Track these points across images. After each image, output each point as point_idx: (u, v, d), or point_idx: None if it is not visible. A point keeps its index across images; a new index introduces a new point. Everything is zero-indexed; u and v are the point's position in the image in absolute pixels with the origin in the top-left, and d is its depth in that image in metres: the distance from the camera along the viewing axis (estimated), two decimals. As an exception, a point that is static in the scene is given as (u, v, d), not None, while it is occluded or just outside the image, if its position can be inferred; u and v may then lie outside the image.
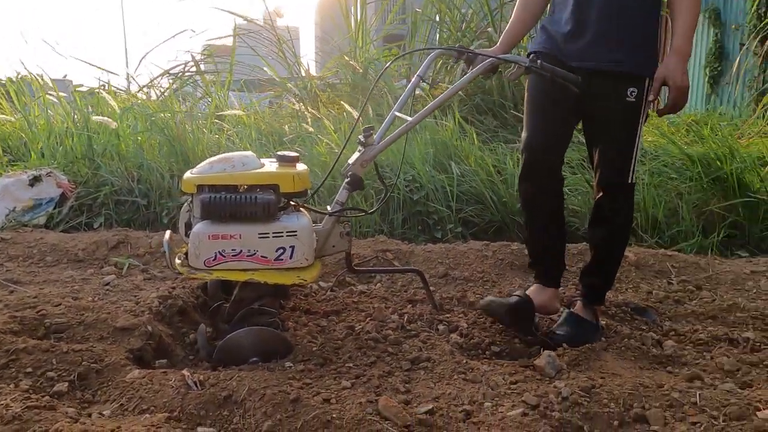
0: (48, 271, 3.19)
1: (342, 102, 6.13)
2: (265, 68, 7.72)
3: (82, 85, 8.17)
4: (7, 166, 5.15)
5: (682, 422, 1.79)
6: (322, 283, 3.11)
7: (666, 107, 2.29)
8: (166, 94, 7.12)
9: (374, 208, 2.77)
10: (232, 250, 2.21)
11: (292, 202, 2.36)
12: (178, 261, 2.31)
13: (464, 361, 2.20)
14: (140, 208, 4.51)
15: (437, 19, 7.93)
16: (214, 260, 2.21)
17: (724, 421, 1.78)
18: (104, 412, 1.80)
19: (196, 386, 1.91)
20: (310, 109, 6.30)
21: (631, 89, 2.35)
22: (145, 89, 7.29)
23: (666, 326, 2.69)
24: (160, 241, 3.55)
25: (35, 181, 4.41)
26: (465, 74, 2.57)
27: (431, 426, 1.77)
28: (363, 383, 2.04)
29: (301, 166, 2.40)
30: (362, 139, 2.46)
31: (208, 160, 2.36)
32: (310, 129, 5.52)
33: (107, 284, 2.95)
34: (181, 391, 1.87)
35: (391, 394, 1.94)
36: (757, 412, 1.80)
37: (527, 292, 2.59)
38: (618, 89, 2.37)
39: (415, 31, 7.93)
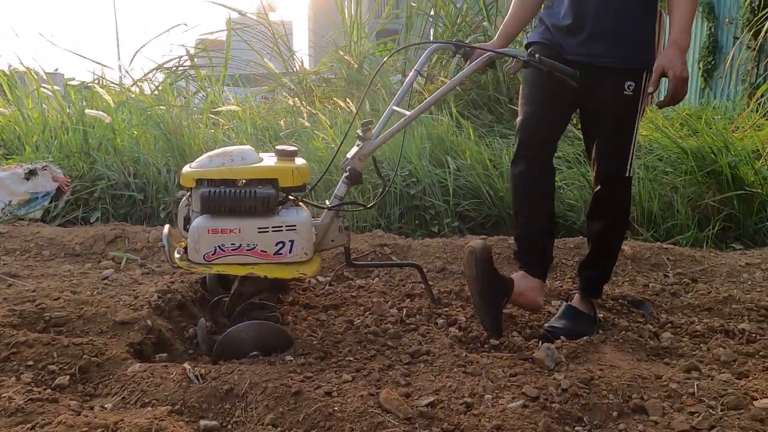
0: (45, 265, 3.19)
1: (336, 98, 6.13)
2: (259, 62, 7.71)
3: (73, 79, 8.13)
4: (1, 159, 5.13)
5: (680, 412, 1.81)
6: (320, 278, 3.12)
7: (666, 99, 2.28)
8: (160, 88, 7.10)
9: (373, 203, 2.77)
10: (232, 244, 2.22)
11: (290, 197, 2.36)
12: (177, 255, 2.31)
13: (463, 354, 2.21)
14: (137, 202, 4.50)
15: (432, 13, 7.92)
16: (213, 254, 2.22)
17: (721, 411, 1.81)
18: (106, 405, 1.81)
19: (198, 380, 1.92)
20: (305, 104, 6.29)
21: (629, 83, 2.36)
22: (138, 83, 7.27)
23: (663, 318, 2.71)
24: (157, 236, 3.55)
25: (31, 174, 4.39)
26: (460, 69, 2.57)
27: (433, 418, 1.78)
28: (364, 376, 2.05)
29: (300, 161, 2.40)
30: (360, 134, 2.46)
31: (206, 154, 2.36)
32: (306, 123, 5.52)
33: (105, 278, 2.95)
34: (182, 384, 1.88)
35: (392, 387, 1.95)
36: (754, 402, 1.82)
37: (512, 276, 2.50)
38: (615, 83, 2.38)
39: (410, 26, 7.92)
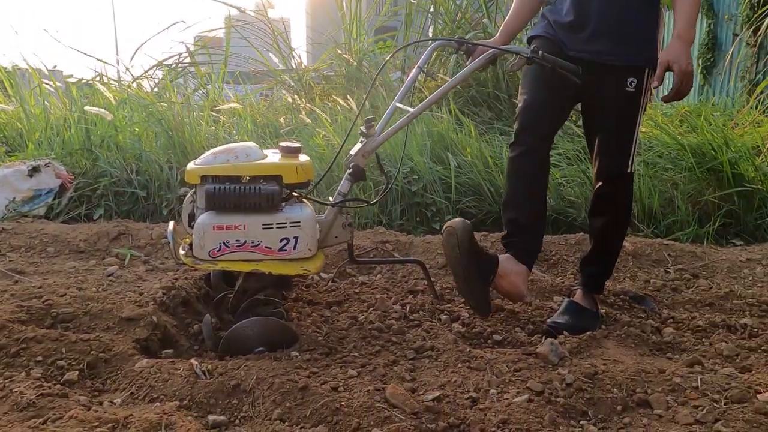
0: (50, 262, 3.20)
1: (335, 96, 6.13)
2: (258, 59, 7.71)
3: (71, 76, 8.13)
4: (3, 156, 5.14)
5: (684, 406, 1.83)
6: (323, 274, 3.13)
7: (670, 93, 2.28)
8: (161, 85, 7.10)
9: (376, 199, 2.78)
10: (237, 240, 2.23)
11: (294, 193, 2.37)
12: (182, 252, 2.32)
13: (468, 350, 2.23)
14: (139, 199, 4.51)
15: (432, 10, 7.92)
16: (218, 251, 2.23)
17: (725, 404, 1.83)
18: (115, 401, 1.82)
19: (205, 375, 1.93)
20: (305, 102, 6.30)
21: (631, 79, 2.37)
22: (138, 80, 7.27)
23: (664, 314, 2.73)
24: (160, 233, 3.56)
25: (34, 171, 4.39)
26: (460, 66, 2.58)
27: (439, 413, 1.79)
28: (369, 372, 2.06)
29: (303, 157, 2.41)
30: (364, 130, 2.47)
31: (211, 151, 2.37)
32: (307, 120, 5.52)
33: (110, 275, 2.96)
34: (190, 380, 1.90)
35: (397, 382, 1.97)
36: (758, 395, 1.84)
37: (498, 255, 2.44)
38: (618, 80, 2.38)
39: (409, 23, 7.91)
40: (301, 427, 1.74)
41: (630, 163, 2.47)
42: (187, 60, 7.80)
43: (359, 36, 7.76)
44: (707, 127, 4.65)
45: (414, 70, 2.65)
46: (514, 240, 2.48)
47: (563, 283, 3.07)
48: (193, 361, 1.99)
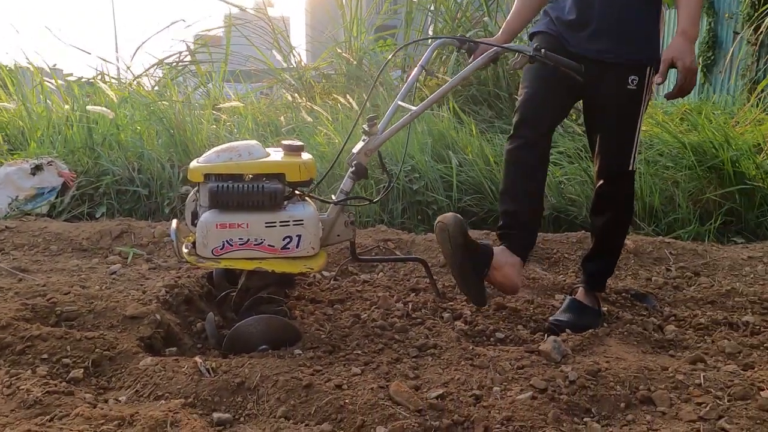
0: (53, 260, 3.21)
1: (336, 95, 6.13)
2: (258, 58, 7.71)
3: (71, 74, 8.13)
4: (6, 154, 5.14)
5: (687, 403, 1.84)
6: (325, 273, 3.14)
7: (674, 90, 2.28)
8: (161, 84, 7.10)
9: (378, 197, 2.79)
10: (240, 239, 2.23)
11: (297, 192, 2.38)
12: (185, 250, 2.32)
13: (470, 348, 2.23)
14: (141, 197, 4.51)
15: (432, 8, 7.92)
16: (221, 249, 2.23)
17: (728, 401, 1.83)
18: (120, 398, 1.83)
19: (209, 373, 1.94)
20: (305, 100, 6.30)
21: (632, 77, 2.38)
22: (139, 79, 7.27)
23: (666, 312, 2.74)
24: (163, 231, 3.57)
25: (37, 170, 4.40)
26: (460, 64, 2.57)
27: (443, 410, 1.80)
28: (373, 369, 2.07)
29: (306, 156, 2.42)
30: (366, 129, 2.47)
31: (213, 150, 2.38)
32: (308, 119, 5.53)
33: (113, 273, 2.96)
34: (194, 378, 1.90)
35: (401, 379, 1.97)
36: (761, 392, 1.85)
37: (492, 247, 2.41)
38: (619, 78, 2.39)
39: (409, 21, 7.91)
40: (306, 425, 1.74)
41: (631, 161, 2.47)
42: (188, 58, 7.81)
43: (359, 34, 7.76)
44: (708, 126, 4.65)
45: (416, 69, 2.64)
46: (512, 233, 2.45)
47: (565, 281, 3.07)
48: (197, 359, 2.00)
